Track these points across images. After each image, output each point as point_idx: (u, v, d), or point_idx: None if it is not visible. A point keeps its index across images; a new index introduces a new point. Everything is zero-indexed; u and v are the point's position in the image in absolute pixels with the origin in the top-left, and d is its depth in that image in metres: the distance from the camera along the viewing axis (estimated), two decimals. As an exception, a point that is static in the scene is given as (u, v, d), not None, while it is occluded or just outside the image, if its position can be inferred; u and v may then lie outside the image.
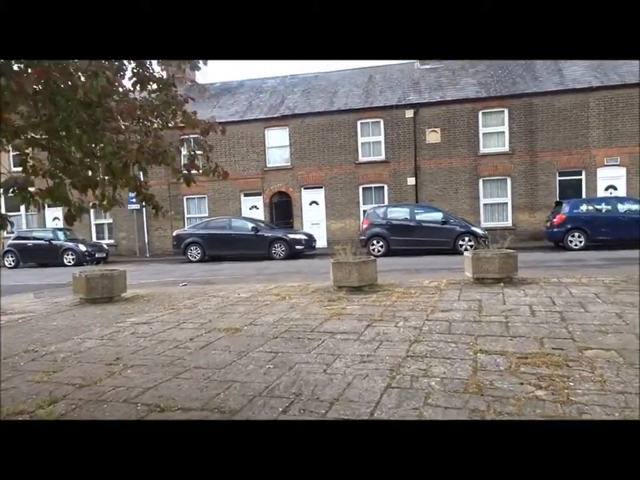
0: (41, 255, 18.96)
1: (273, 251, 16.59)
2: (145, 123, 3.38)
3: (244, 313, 6.60)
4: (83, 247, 18.65)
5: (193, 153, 3.47)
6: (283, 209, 20.99)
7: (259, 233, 16.85)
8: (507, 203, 18.58)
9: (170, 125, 3.51)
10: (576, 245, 14.33)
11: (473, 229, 15.24)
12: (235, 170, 20.92)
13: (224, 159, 20.90)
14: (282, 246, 16.54)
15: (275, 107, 21.10)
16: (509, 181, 18.46)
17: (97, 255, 18.93)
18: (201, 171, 3.46)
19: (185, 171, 3.42)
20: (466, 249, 14.92)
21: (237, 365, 4.19)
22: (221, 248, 17.16)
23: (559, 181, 17.98)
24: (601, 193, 17.47)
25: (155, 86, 3.47)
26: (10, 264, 19.03)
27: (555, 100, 17.75)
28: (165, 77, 3.63)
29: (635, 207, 14.39)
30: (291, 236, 16.72)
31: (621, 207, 14.43)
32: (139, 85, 3.35)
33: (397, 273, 10.75)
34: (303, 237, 16.93)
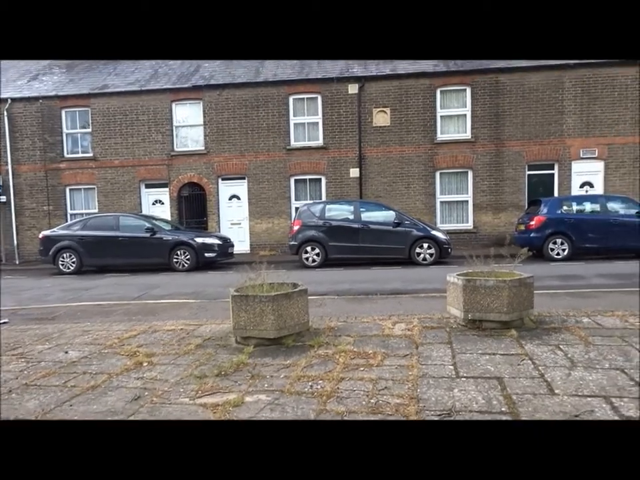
0: None
1: (175, 260, 13.12)
2: None
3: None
4: None
5: None
6: (195, 205, 17.52)
7: (157, 236, 13.30)
8: (467, 201, 16.19)
9: None
10: (558, 255, 12.05)
11: (434, 232, 12.56)
12: (134, 154, 17.27)
13: (119, 140, 17.16)
14: (187, 253, 13.10)
15: (186, 76, 17.53)
16: (470, 174, 16.09)
17: None
18: None
19: None
20: (424, 260, 12.31)
21: None
22: (105, 255, 13.43)
23: (528, 175, 15.81)
24: (575, 190, 15.50)
25: None
26: None
27: (525, 78, 15.56)
28: None
29: (628, 207, 12.31)
30: (199, 240, 13.29)
31: (612, 208, 12.31)
32: None
33: (338, 300, 7.73)
34: (216, 241, 13.56)
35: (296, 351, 4.58)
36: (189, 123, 17.18)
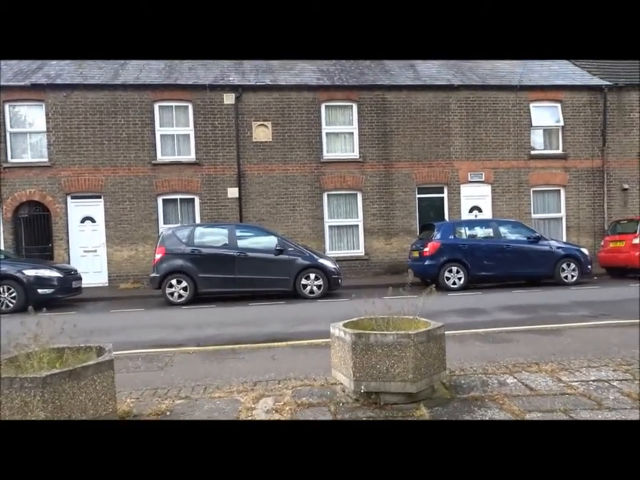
0: None
1: (-4, 299, 10.37)
2: None
3: None
4: None
5: None
6: (37, 229, 14.61)
7: (-30, 269, 10.46)
8: (357, 226, 15.19)
9: None
10: (454, 284, 11.27)
11: (321, 261, 11.20)
12: (-47, 166, 14.02)
13: None
14: (12, 289, 10.41)
15: (26, 73, 14.76)
16: (359, 196, 15.15)
17: None
18: None
19: None
20: (312, 292, 10.88)
21: None
22: None
23: (419, 198, 15.25)
24: (465, 214, 15.20)
25: None
26: None
27: (411, 97, 15.10)
28: None
29: (519, 232, 11.97)
30: (30, 273, 10.68)
31: (504, 233, 11.88)
32: None
33: (194, 355, 5.89)
34: (55, 273, 11.00)
35: None
36: (27, 129, 14.36)
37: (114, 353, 5.97)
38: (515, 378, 4.13)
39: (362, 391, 3.63)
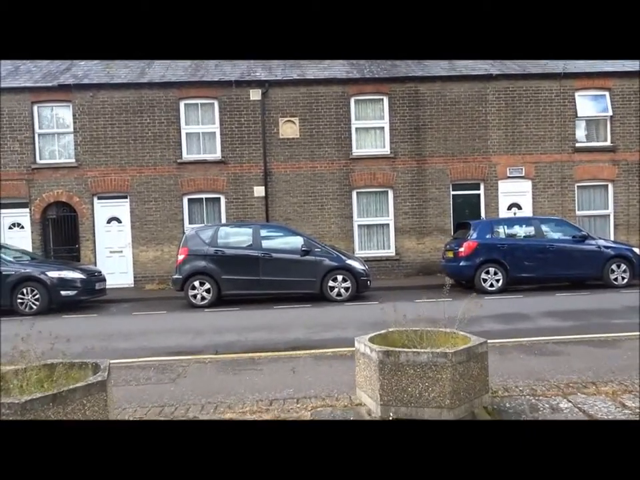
0: None
1: (20, 300, 10.32)
2: None
3: None
4: None
5: None
6: (64, 229, 14.63)
7: (-6, 270, 10.43)
8: (388, 225, 14.63)
9: None
10: (491, 286, 10.63)
11: (349, 262, 10.73)
12: (-17, 167, 14.13)
13: (-39, 149, 14.04)
14: (35, 291, 10.34)
15: (54, 74, 14.78)
16: (390, 194, 14.59)
17: None
18: None
19: None
20: (339, 295, 10.43)
21: None
22: None
23: (453, 195, 14.59)
24: (502, 212, 14.45)
25: None
26: None
27: (446, 88, 14.43)
28: None
29: (563, 231, 11.23)
30: (54, 274, 10.58)
31: (546, 232, 11.16)
32: None
33: (210, 365, 5.53)
34: (78, 275, 10.88)
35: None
36: (55, 130, 14.36)
37: (128, 360, 5.72)
38: (570, 402, 3.59)
39: (390, 418, 3.17)
